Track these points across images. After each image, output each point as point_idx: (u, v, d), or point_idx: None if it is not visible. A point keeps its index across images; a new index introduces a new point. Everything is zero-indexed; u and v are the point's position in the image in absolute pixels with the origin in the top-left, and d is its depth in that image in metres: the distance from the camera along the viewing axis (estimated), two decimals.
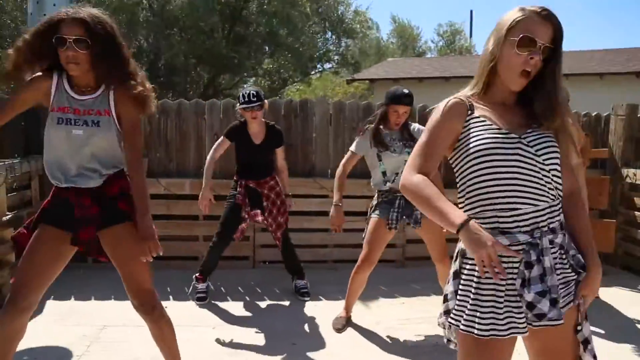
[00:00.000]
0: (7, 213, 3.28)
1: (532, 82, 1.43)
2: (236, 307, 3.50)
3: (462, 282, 1.44)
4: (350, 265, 3.21)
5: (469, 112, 1.46)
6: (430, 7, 45.25)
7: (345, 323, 3.18)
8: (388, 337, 3.08)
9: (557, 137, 1.45)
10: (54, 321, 3.08)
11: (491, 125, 1.42)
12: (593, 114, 5.13)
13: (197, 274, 3.59)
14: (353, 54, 12.78)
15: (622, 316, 3.51)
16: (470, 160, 1.42)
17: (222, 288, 3.82)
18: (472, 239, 1.32)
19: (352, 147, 3.17)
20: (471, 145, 1.41)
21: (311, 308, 3.51)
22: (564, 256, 1.44)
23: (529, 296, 1.36)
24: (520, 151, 1.38)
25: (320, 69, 12.25)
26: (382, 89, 11.76)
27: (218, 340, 2.95)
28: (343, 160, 3.21)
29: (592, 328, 3.15)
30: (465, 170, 1.44)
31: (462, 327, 1.40)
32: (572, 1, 47.21)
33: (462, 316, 1.41)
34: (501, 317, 1.37)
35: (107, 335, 2.93)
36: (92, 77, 1.97)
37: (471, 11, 21.50)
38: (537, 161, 1.39)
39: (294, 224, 4.27)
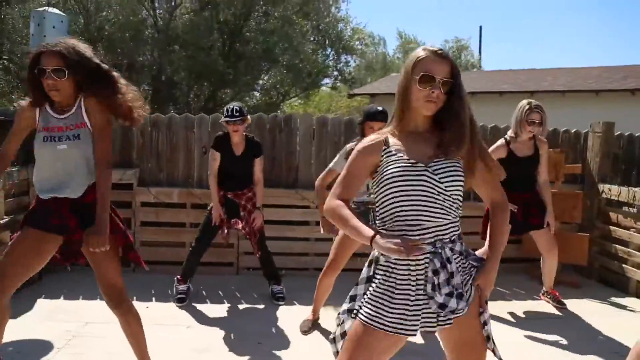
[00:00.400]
0: (5, 217, 3.56)
1: (440, 114, 1.65)
2: (213, 309, 3.72)
3: (374, 285, 1.66)
4: None
5: (385, 146, 1.68)
6: (438, 23, 45.71)
7: (311, 326, 3.38)
8: None
9: (467, 162, 1.66)
10: (42, 318, 3.34)
11: (402, 156, 1.64)
12: (572, 131, 5.29)
13: (178, 276, 3.83)
14: (351, 70, 13.11)
15: (588, 327, 3.65)
16: (385, 186, 1.65)
17: (203, 292, 4.04)
18: (384, 247, 1.54)
19: (331, 164, 3.33)
20: (385, 175, 1.65)
21: (284, 312, 3.71)
22: (464, 260, 1.68)
23: (440, 298, 1.58)
24: (425, 178, 1.61)
25: (321, 84, 12.56)
26: (382, 104, 12.00)
27: None
28: (320, 177, 3.35)
29: (558, 338, 3.32)
30: (381, 193, 1.67)
31: (367, 320, 1.62)
32: (570, 19, 47.25)
33: (369, 312, 1.63)
34: (410, 316, 1.60)
35: (89, 330, 3.18)
36: (73, 99, 2.24)
37: (480, 27, 21.85)
38: (439, 187, 1.61)
39: (277, 232, 4.51)
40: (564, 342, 3.35)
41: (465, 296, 1.61)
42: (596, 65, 12.17)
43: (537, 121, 3.70)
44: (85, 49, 2.22)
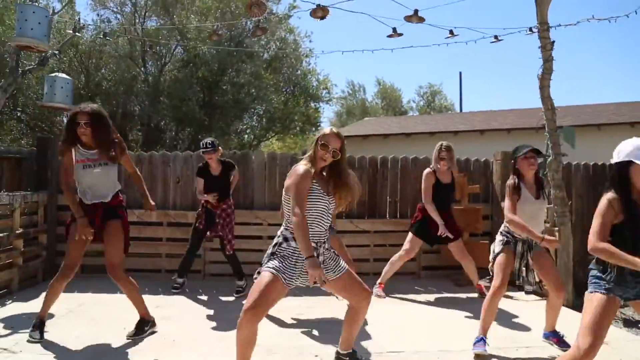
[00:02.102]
0: (19, 229, 4.68)
1: (331, 167, 2.81)
2: (179, 300, 4.78)
3: (277, 257, 2.72)
4: None
5: (313, 178, 2.77)
6: (416, 69, 48.17)
7: None
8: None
9: (340, 195, 2.83)
10: None
11: (319, 188, 2.76)
12: (482, 160, 6.46)
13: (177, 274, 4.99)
14: (317, 116, 14.76)
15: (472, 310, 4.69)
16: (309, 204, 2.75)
17: (173, 290, 5.10)
18: (313, 266, 2.60)
19: None
20: (311, 197, 2.74)
21: (239, 304, 4.76)
22: (331, 251, 2.85)
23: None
24: (327, 203, 2.77)
25: (291, 128, 14.13)
26: (351, 144, 13.28)
27: None
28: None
29: (444, 315, 4.31)
30: (309, 208, 2.75)
31: (275, 272, 2.66)
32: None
33: (276, 266, 2.68)
34: (296, 275, 2.71)
35: (81, 308, 4.24)
36: (93, 142, 3.47)
37: (460, 73, 23.79)
38: (329, 208, 2.78)
39: (237, 245, 5.58)
40: (448, 318, 4.39)
41: (336, 270, 2.79)
42: (536, 107, 13.53)
43: (446, 158, 4.97)
44: (103, 111, 3.51)
